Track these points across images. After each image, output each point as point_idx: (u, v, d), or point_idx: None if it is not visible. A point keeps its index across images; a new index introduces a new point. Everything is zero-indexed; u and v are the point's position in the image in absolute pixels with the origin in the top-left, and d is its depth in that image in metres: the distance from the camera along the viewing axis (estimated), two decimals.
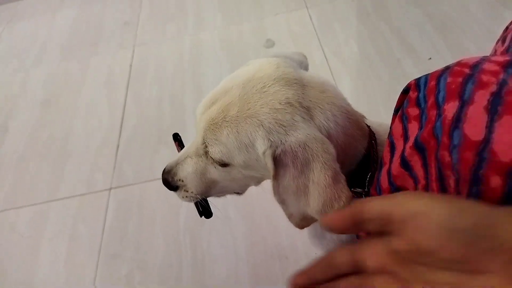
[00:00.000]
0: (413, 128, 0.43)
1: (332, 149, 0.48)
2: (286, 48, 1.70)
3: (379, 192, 0.49)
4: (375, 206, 0.35)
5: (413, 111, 0.44)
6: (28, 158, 1.54)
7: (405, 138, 0.44)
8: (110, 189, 1.37)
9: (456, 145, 0.36)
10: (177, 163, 0.60)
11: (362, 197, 0.55)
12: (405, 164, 0.43)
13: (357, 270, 0.38)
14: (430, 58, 1.48)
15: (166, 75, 1.75)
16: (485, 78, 0.38)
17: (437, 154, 0.38)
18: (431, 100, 0.41)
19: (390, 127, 0.49)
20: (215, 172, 0.57)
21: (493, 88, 0.36)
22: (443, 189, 0.39)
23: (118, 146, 1.50)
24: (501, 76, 0.37)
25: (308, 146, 0.47)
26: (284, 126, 0.48)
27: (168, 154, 1.43)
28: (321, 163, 0.47)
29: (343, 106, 0.53)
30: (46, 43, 2.09)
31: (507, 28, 0.58)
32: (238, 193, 0.66)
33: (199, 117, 0.55)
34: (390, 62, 1.52)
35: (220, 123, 0.50)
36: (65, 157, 1.51)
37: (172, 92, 1.66)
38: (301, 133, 0.47)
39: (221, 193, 0.65)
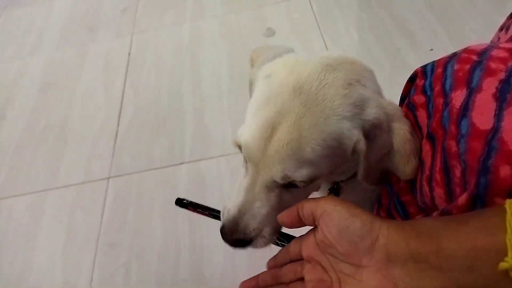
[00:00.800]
0: (422, 117, 0.43)
1: (398, 105, 0.49)
2: (286, 38, 1.68)
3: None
4: (306, 207, 0.44)
5: (419, 99, 0.44)
6: (26, 146, 1.52)
7: (417, 126, 0.44)
8: (109, 178, 1.36)
9: (464, 135, 0.35)
10: (241, 214, 0.51)
11: None
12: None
13: (301, 258, 0.46)
14: (432, 49, 1.47)
15: (165, 63, 1.73)
16: (493, 65, 0.37)
17: (444, 144, 0.37)
18: (437, 88, 0.41)
19: None
20: (291, 198, 0.51)
21: (502, 75, 0.35)
22: (447, 179, 0.38)
23: (116, 135, 1.49)
24: (510, 63, 0.36)
25: (385, 111, 0.47)
26: (359, 106, 0.46)
27: (167, 143, 1.42)
28: (398, 121, 0.48)
29: (369, 70, 0.54)
30: (43, 29, 2.06)
31: (511, 15, 0.57)
32: None
33: (258, 153, 0.47)
34: (391, 51, 1.51)
35: (298, 144, 0.45)
36: (62, 145, 1.50)
37: (171, 80, 1.64)
38: (374, 102, 0.47)
39: None
